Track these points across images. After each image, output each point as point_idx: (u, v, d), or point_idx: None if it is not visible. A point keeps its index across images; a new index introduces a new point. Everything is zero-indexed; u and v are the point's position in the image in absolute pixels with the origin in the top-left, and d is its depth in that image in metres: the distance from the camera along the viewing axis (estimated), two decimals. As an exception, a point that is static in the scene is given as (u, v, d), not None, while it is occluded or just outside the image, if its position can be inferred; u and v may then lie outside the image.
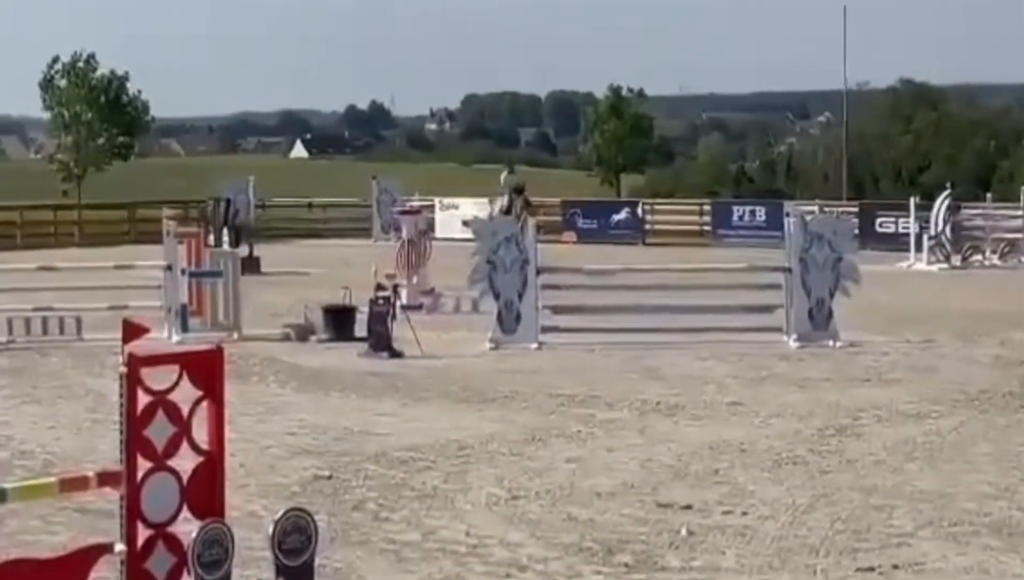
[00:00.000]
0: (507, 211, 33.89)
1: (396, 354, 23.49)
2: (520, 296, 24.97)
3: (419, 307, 28.50)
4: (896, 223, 47.16)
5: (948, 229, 43.73)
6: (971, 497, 13.54)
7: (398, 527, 12.50)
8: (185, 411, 8.58)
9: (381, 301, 24.32)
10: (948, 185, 46.03)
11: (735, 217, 55.37)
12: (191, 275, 26.33)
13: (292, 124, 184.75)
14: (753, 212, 55.04)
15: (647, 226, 56.73)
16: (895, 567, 11.27)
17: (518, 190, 37.78)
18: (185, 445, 8.65)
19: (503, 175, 40.75)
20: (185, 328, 25.51)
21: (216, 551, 8.72)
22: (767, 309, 25.42)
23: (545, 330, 24.81)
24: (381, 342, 23.72)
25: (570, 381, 20.74)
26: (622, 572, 11.18)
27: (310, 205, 61.51)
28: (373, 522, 12.67)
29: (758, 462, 15.24)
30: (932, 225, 43.49)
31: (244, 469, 14.10)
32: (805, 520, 12.77)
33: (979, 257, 44.71)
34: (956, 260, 43.56)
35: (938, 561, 11.45)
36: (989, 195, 50.22)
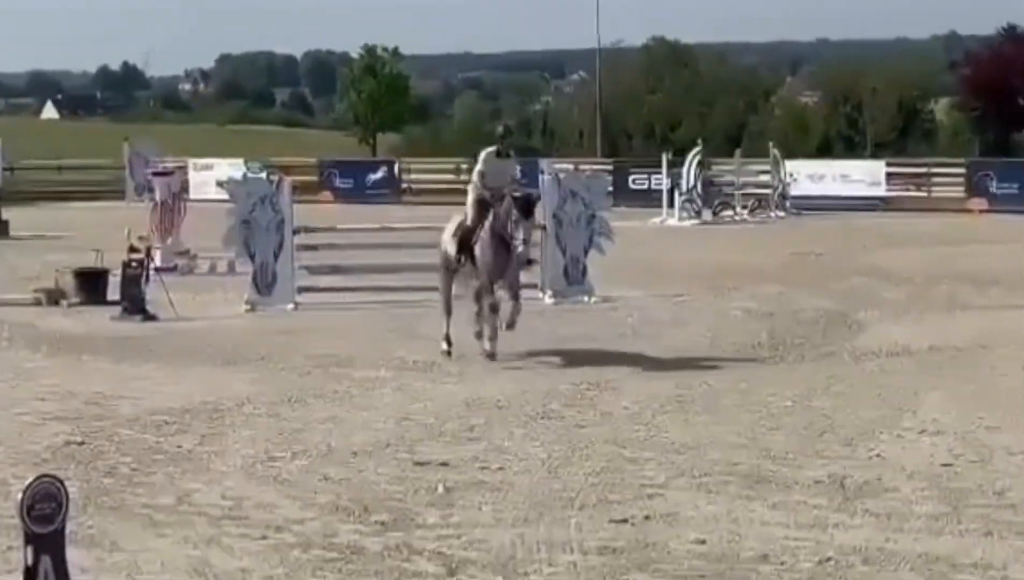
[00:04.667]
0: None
1: (150, 317, 23.22)
2: (276, 257, 24.79)
3: (173, 269, 28.25)
4: (649, 180, 47.90)
5: (699, 185, 44.54)
6: (720, 447, 13.80)
7: (152, 491, 12.35)
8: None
9: (134, 264, 23.99)
10: (698, 142, 46.72)
11: None
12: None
13: (42, 85, 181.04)
14: None
15: (404, 185, 56.95)
16: (647, 518, 11.42)
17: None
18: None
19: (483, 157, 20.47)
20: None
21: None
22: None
23: (301, 291, 24.72)
24: (134, 305, 23.44)
25: (327, 341, 20.69)
26: (379, 530, 11.18)
27: (60, 168, 60.59)
28: (127, 487, 12.51)
29: (514, 418, 15.35)
30: (684, 182, 44.19)
31: (-8, 438, 13.83)
32: (560, 474, 12.89)
33: (729, 212, 45.56)
34: (707, 215, 44.35)
35: (689, 510, 11.63)
36: (738, 151, 51.11)
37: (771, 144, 52.27)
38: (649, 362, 18.71)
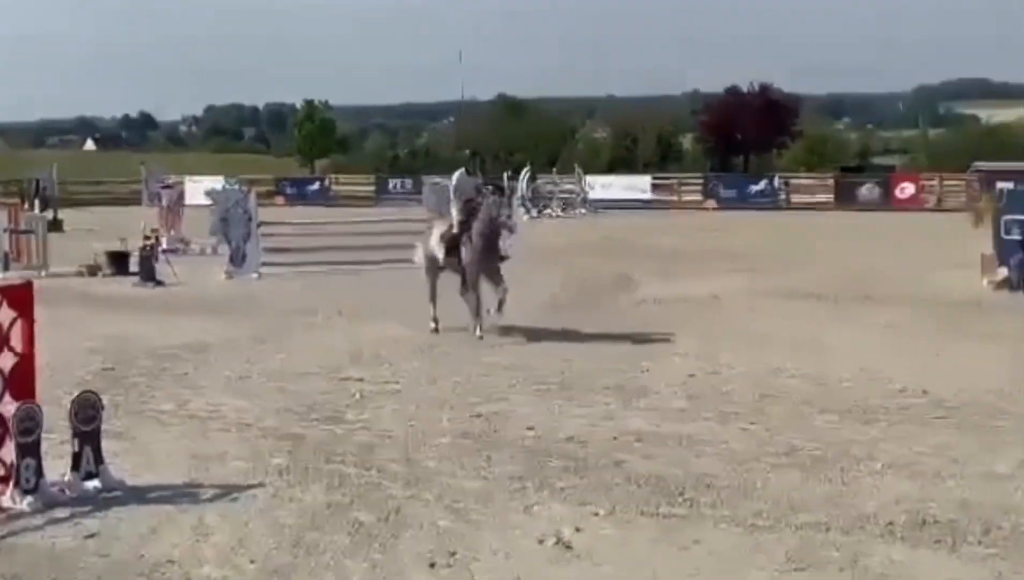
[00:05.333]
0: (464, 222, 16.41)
1: (159, 283, 23.10)
2: (245, 242, 24.86)
3: (175, 251, 27.88)
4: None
5: (529, 192, 45.00)
6: (544, 367, 13.80)
7: (160, 401, 12.17)
8: (5, 327, 8.41)
9: (148, 247, 24.30)
10: (528, 164, 46.96)
11: (390, 186, 56.81)
12: (11, 232, 26.08)
13: (84, 126, 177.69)
14: (403, 183, 56.20)
15: (331, 193, 57.86)
16: (495, 414, 11.44)
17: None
18: (6, 351, 8.52)
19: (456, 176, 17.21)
20: (7, 268, 24.85)
21: (29, 423, 8.53)
22: (410, 246, 25.46)
23: (264, 265, 24.55)
24: (148, 275, 23.41)
25: (282, 299, 20.50)
26: (316, 424, 11.10)
27: (97, 182, 59.75)
28: (142, 398, 12.31)
29: (407, 348, 15.29)
30: (519, 190, 44.68)
31: (50, 367, 13.48)
32: (438, 385, 12.87)
33: (549, 211, 45.92)
34: (535, 213, 44.56)
35: (524, 409, 11.66)
36: (554, 169, 51.37)
37: (576, 165, 52.60)
38: (651, 302, 18.71)
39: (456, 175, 16.90)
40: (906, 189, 51.26)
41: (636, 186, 55.71)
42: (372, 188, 57.62)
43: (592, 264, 26.38)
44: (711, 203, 52.80)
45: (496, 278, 16.22)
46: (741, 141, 66.35)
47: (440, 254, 16.48)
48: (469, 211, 16.28)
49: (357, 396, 12.32)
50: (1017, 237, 21.46)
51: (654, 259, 27.49)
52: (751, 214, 46.74)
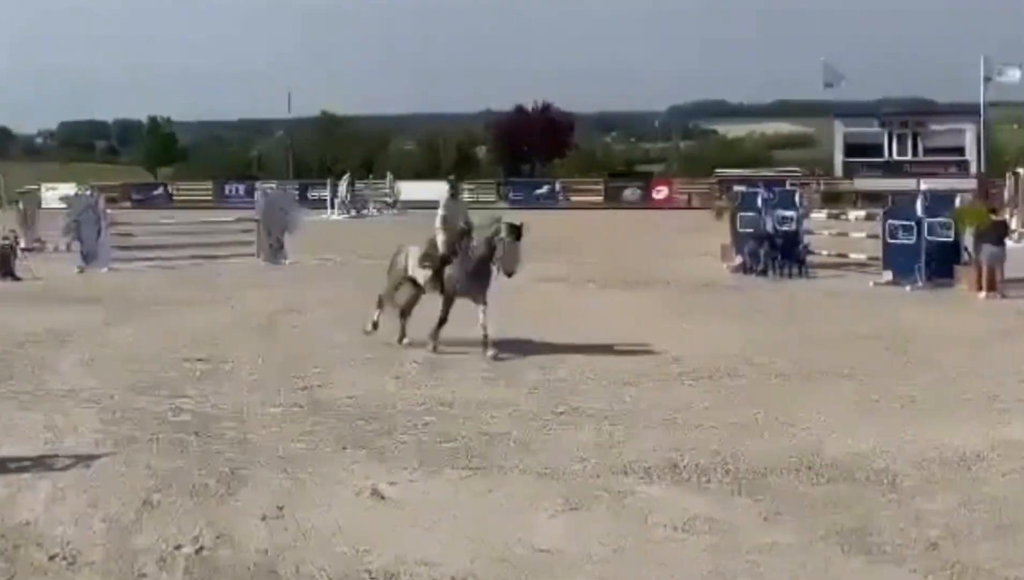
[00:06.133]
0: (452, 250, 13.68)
1: (17, 278, 21.91)
2: (96, 239, 23.93)
3: (32, 250, 26.55)
4: (321, 193, 47.12)
5: (348, 195, 44.61)
6: (368, 342, 13.64)
7: (19, 383, 11.59)
8: None
9: (7, 247, 22.96)
10: (347, 171, 46.46)
11: (227, 192, 55.40)
12: None
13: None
14: (237, 189, 54.95)
15: (173, 197, 56.47)
16: (319, 386, 11.29)
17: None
18: None
19: (443, 202, 14.17)
20: None
21: None
22: (247, 243, 24.96)
23: (114, 260, 23.64)
24: (6, 271, 22.18)
25: (129, 290, 19.72)
26: (160, 400, 10.74)
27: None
28: (2, 381, 11.70)
29: (241, 331, 14.93)
30: (340, 194, 44.28)
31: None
32: (267, 362, 12.60)
33: (366, 211, 45.60)
34: (354, 213, 44.17)
35: (343, 379, 11.52)
36: (371, 176, 51.02)
37: (388, 172, 52.29)
38: (320, 297, 18.40)
39: (443, 201, 13.80)
40: (662, 191, 52.67)
41: (440, 190, 55.82)
42: (210, 193, 56.17)
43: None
44: (504, 203, 53.17)
45: (480, 298, 13.15)
46: (527, 152, 67.05)
47: (421, 276, 13.62)
48: (458, 240, 13.31)
49: (197, 374, 11.98)
50: (749, 230, 22.22)
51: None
52: (536, 213, 47.18)
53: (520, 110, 71.21)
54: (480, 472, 8.30)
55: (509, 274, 12.98)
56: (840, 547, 6.71)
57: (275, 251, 24.82)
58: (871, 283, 19.64)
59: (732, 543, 6.82)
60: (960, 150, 47.78)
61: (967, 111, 49.37)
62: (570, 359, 12.59)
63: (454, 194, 14.23)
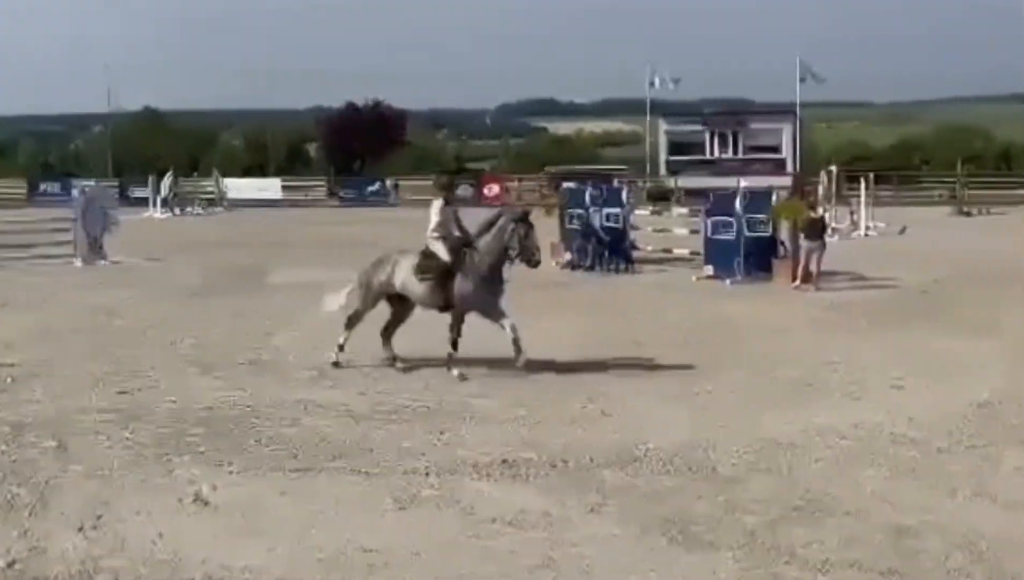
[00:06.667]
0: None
1: None
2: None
3: None
4: (144, 192, 45.74)
5: (172, 193, 43.56)
6: (188, 344, 13.30)
7: None
8: None
9: None
10: (171, 168, 45.20)
11: (41, 189, 53.89)
12: None
13: None
14: (51, 187, 53.43)
15: None
16: (139, 389, 10.94)
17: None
18: None
19: (436, 207, 12.16)
20: None
21: None
22: (64, 243, 24.02)
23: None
24: None
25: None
26: (-31, 408, 10.23)
27: None
28: None
29: (57, 335, 14.31)
30: (163, 191, 43.15)
31: None
32: (85, 369, 12.09)
33: (190, 209, 44.71)
34: (178, 212, 43.08)
35: (167, 382, 11.18)
36: (195, 173, 49.82)
37: (214, 169, 51.18)
38: (141, 298, 17.83)
39: (436, 206, 12.03)
40: (493, 188, 53.06)
41: (268, 187, 54.74)
42: (24, 191, 53.84)
43: (230, 255, 25.66)
44: (333, 201, 52.66)
45: (494, 313, 11.69)
46: (358, 149, 66.51)
47: (416, 288, 11.89)
48: (460, 247, 11.81)
49: (8, 380, 11.44)
50: (577, 227, 22.58)
51: (284, 250, 27.07)
52: (368, 210, 46.82)
53: (351, 107, 70.59)
54: (308, 474, 8.19)
55: (535, 264, 11.71)
56: (663, 537, 6.88)
57: (94, 251, 23.96)
58: (693, 278, 20.22)
59: (560, 536, 6.91)
60: (777, 149, 49.66)
61: (784, 111, 51.36)
62: (403, 356, 12.51)
63: (448, 200, 12.10)
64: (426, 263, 11.81)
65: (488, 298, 11.67)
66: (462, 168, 66.75)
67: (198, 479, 7.99)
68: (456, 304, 11.73)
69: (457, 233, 11.85)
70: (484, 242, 11.74)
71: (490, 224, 11.81)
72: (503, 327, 11.50)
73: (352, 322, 12.16)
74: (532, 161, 61.67)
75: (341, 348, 11.99)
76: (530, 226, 11.77)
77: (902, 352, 12.66)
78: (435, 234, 11.85)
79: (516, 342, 11.43)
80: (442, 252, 11.75)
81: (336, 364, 11.86)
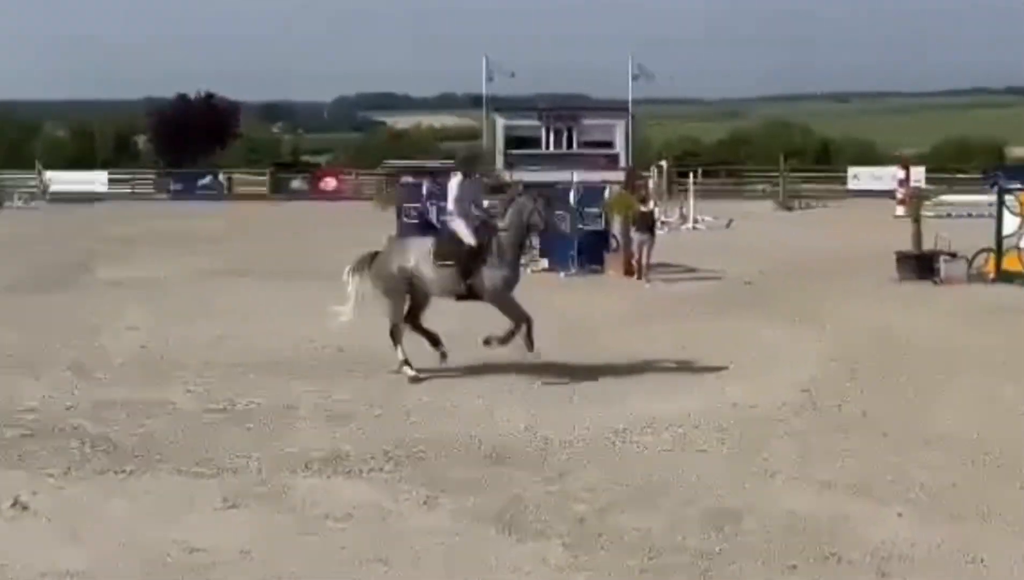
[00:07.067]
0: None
1: None
2: None
3: None
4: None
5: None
6: (8, 342, 12.77)
7: None
8: None
9: None
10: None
11: None
12: None
13: None
14: None
15: None
16: None
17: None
18: None
19: (455, 182, 11.20)
20: None
21: None
22: None
23: None
24: None
25: None
26: None
27: None
28: None
29: None
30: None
31: None
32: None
33: (9, 203, 43.26)
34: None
35: (136, 388, 10.75)
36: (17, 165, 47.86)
37: (36, 160, 49.28)
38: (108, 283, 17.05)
39: (454, 181, 11.07)
40: (329, 182, 52.60)
41: (95, 180, 52.89)
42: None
43: (53, 251, 24.70)
44: (163, 195, 51.25)
45: (515, 312, 11.05)
46: (189, 141, 64.86)
47: (430, 273, 11.03)
48: (484, 227, 10.95)
49: None
50: (415, 221, 22.56)
51: (111, 245, 26.19)
52: (199, 204, 45.62)
53: (183, 98, 68.81)
54: (134, 475, 7.99)
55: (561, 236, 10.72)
56: (494, 527, 6.96)
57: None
58: (529, 270, 20.41)
59: (392, 529, 6.92)
60: (611, 144, 50.58)
61: (618, 107, 52.38)
62: (230, 352, 12.32)
63: (468, 173, 11.20)
64: (447, 247, 10.81)
65: (512, 293, 10.96)
66: (298, 161, 65.86)
67: (17, 484, 7.69)
68: (485, 297, 10.90)
69: (476, 212, 10.97)
70: (507, 224, 10.83)
71: (507, 204, 11.01)
72: (518, 331, 10.79)
73: (396, 337, 11.18)
74: (370, 155, 61.21)
75: (407, 362, 11.00)
76: (547, 200, 11.30)
77: (727, 341, 13.09)
78: (453, 211, 10.96)
79: (529, 339, 10.88)
80: (466, 234, 10.76)
81: (416, 379, 10.79)
